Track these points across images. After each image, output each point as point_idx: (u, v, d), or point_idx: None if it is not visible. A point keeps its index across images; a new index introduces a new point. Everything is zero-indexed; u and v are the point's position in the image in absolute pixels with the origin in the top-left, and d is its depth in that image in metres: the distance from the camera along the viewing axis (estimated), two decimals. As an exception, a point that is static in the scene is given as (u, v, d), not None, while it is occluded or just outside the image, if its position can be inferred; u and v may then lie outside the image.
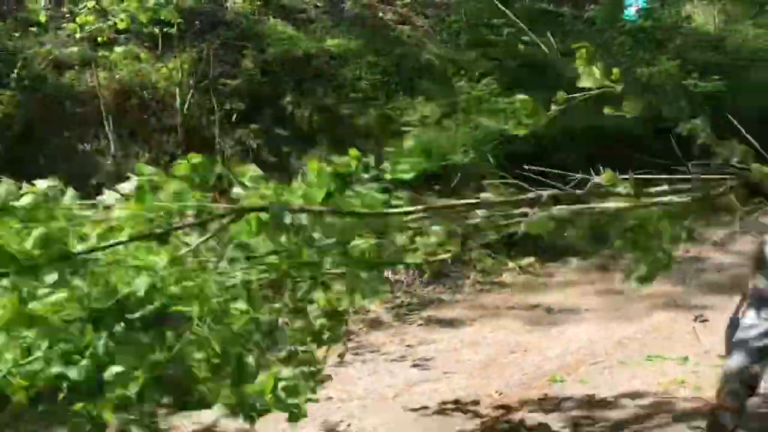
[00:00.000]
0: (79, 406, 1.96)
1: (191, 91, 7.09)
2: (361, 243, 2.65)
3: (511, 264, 6.99)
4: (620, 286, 5.49)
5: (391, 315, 5.87)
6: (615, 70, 3.02)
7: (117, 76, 7.19)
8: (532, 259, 7.10)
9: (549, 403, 3.82)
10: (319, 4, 9.70)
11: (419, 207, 2.83)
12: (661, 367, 4.30)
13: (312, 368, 2.83)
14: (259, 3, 8.62)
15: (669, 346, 4.69)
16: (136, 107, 7.19)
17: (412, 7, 10.23)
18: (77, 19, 6.59)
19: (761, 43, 11.28)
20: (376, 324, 5.68)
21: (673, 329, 5.09)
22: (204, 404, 2.27)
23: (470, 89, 7.56)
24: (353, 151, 2.62)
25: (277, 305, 2.68)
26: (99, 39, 6.79)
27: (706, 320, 5.06)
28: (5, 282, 1.91)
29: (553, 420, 3.58)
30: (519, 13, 11.73)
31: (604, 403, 3.81)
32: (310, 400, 2.57)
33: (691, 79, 9.18)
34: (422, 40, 9.77)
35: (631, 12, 11.75)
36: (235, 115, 7.15)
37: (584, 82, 3.06)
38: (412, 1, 10.07)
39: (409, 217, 2.82)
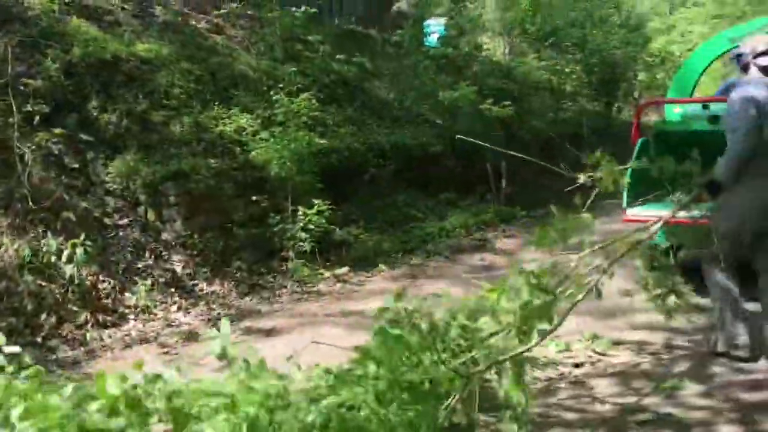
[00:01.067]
0: None
1: (-15, 90, 6.49)
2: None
3: (326, 273, 7.20)
4: (428, 292, 5.89)
5: (207, 327, 5.79)
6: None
7: None
8: (346, 269, 7.37)
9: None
10: (126, 6, 9.30)
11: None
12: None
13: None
14: (60, 1, 8.08)
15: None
16: None
17: (226, 17, 10.16)
18: None
19: (541, 74, 12.65)
20: (192, 336, 5.58)
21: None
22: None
23: (289, 103, 7.67)
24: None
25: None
26: None
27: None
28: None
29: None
30: (330, 32, 12.13)
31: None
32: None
33: (486, 104, 10.03)
34: (237, 51, 9.74)
35: (432, 39, 12.59)
36: (36, 118, 6.63)
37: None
38: (227, 12, 9.99)
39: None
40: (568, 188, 3.95)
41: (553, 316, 3.26)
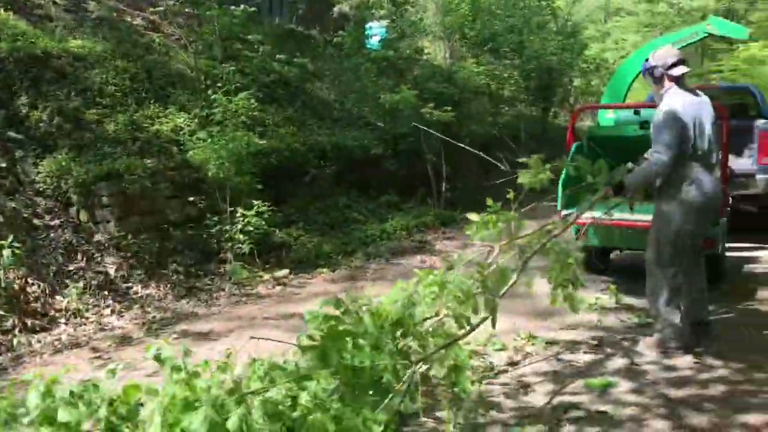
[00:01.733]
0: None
1: None
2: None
3: (266, 276, 7.13)
4: (367, 293, 5.88)
5: (142, 331, 5.65)
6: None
7: None
8: (286, 271, 7.31)
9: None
10: (58, 1, 9.01)
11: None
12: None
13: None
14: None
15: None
16: None
17: (162, 14, 9.95)
18: None
19: (480, 79, 12.83)
20: (126, 340, 5.44)
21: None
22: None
23: (227, 102, 7.55)
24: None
25: None
26: None
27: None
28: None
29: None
30: (270, 32, 12.03)
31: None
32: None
33: (428, 108, 10.11)
34: (174, 49, 9.55)
35: (373, 42, 12.61)
36: (-41, 114, 6.36)
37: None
38: (163, 9, 9.78)
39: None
40: (507, 189, 4.04)
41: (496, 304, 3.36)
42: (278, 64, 10.56)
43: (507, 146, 13.99)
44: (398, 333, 3.28)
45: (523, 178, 3.97)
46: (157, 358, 2.98)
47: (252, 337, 3.77)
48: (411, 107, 10.20)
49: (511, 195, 3.96)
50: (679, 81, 4.39)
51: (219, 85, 8.45)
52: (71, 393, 2.71)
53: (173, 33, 10.07)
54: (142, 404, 2.82)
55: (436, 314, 3.43)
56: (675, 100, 4.30)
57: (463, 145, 5.73)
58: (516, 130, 14.35)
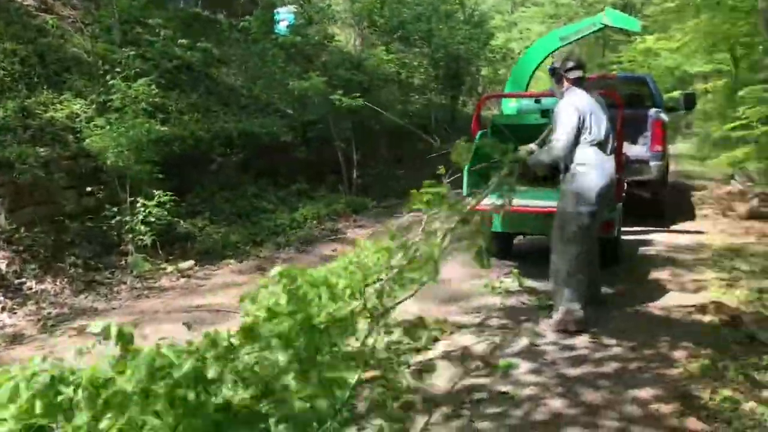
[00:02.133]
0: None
1: None
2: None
3: (169, 268, 6.92)
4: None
5: (36, 328, 5.38)
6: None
7: None
8: (191, 263, 7.12)
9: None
10: (-63, -22, 8.40)
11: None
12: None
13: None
14: None
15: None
16: None
17: (56, -6, 9.45)
18: None
19: (390, 67, 12.86)
20: (17, 339, 5.16)
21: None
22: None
23: (126, 88, 7.24)
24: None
25: None
26: None
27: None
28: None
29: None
30: (174, 16, 11.64)
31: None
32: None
33: (336, 94, 10.05)
34: (69, 32, 9.08)
35: (282, 27, 12.40)
36: None
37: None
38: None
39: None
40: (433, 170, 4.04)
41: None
42: (180, 49, 10.23)
43: (417, 134, 14.17)
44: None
45: (455, 156, 4.26)
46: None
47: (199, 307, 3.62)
48: (320, 94, 10.11)
49: (442, 169, 3.98)
50: (576, 83, 4.89)
51: (118, 70, 8.10)
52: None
53: (69, 15, 9.58)
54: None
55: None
56: (573, 97, 4.82)
57: (413, 127, 5.71)
58: (426, 119, 14.48)
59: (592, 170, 4.67)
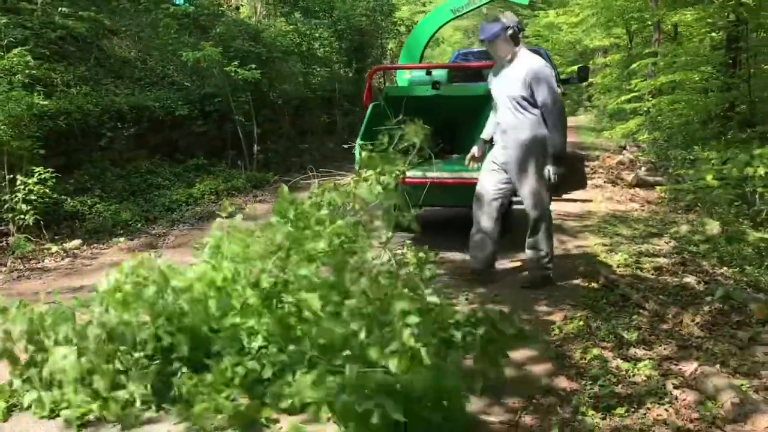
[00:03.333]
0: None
1: None
2: None
3: (54, 248, 6.61)
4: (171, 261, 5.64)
5: None
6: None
7: None
8: (78, 242, 6.83)
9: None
10: None
11: None
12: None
13: None
14: None
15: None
16: None
17: None
18: None
19: (290, 39, 12.64)
20: None
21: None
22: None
23: (-2, 58, 6.81)
24: None
25: None
26: None
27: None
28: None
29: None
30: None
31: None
32: None
33: (232, 66, 9.80)
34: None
35: (182, -3, 12.01)
36: None
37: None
38: None
39: None
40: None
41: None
42: (64, 19, 9.68)
43: (321, 106, 14.04)
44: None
45: (410, 134, 4.03)
46: None
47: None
48: (215, 64, 9.83)
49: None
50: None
51: (-8, 39, 7.60)
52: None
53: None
54: None
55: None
56: (538, 59, 4.66)
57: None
58: (330, 91, 14.36)
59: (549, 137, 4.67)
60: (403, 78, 7.32)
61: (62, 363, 3.04)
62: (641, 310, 4.33)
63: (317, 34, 13.82)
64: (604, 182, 9.62)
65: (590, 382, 3.38)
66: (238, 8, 15.30)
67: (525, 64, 4.62)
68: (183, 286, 3.41)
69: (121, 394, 3.11)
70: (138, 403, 3.14)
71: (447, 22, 7.97)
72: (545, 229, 4.91)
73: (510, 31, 4.58)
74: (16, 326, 3.15)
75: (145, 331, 3.24)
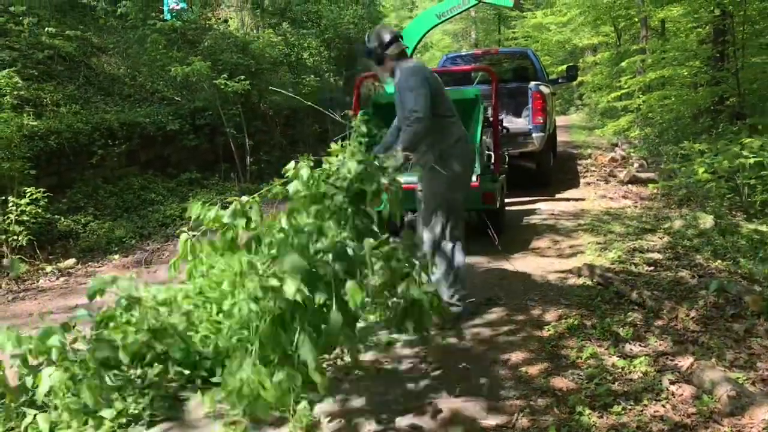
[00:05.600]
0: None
1: None
2: None
3: (49, 268, 6.60)
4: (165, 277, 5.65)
5: None
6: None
7: None
8: (72, 261, 6.82)
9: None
10: None
11: None
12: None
13: None
14: None
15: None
16: None
17: None
18: None
19: (279, 49, 12.66)
20: None
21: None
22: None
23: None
24: None
25: None
26: None
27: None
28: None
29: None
30: (47, 3, 11.02)
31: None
32: None
33: (222, 79, 9.81)
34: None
35: (173, 12, 12.01)
36: None
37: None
38: None
39: None
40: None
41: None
42: (51, 38, 9.68)
43: (313, 115, 14.04)
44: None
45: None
46: None
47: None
48: (205, 79, 9.85)
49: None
50: (401, 56, 4.30)
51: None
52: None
53: None
54: None
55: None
56: (411, 65, 4.24)
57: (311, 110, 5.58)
58: (320, 100, 14.36)
59: (456, 145, 4.26)
60: (392, 85, 7.32)
61: (55, 383, 3.03)
62: (636, 307, 4.33)
63: (306, 44, 13.84)
64: (597, 180, 9.64)
65: (586, 381, 3.38)
66: (226, 21, 15.33)
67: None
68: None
69: (114, 411, 3.10)
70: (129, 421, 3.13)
71: (433, 27, 8.00)
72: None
73: (374, 54, 4.28)
74: (5, 351, 3.13)
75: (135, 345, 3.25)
